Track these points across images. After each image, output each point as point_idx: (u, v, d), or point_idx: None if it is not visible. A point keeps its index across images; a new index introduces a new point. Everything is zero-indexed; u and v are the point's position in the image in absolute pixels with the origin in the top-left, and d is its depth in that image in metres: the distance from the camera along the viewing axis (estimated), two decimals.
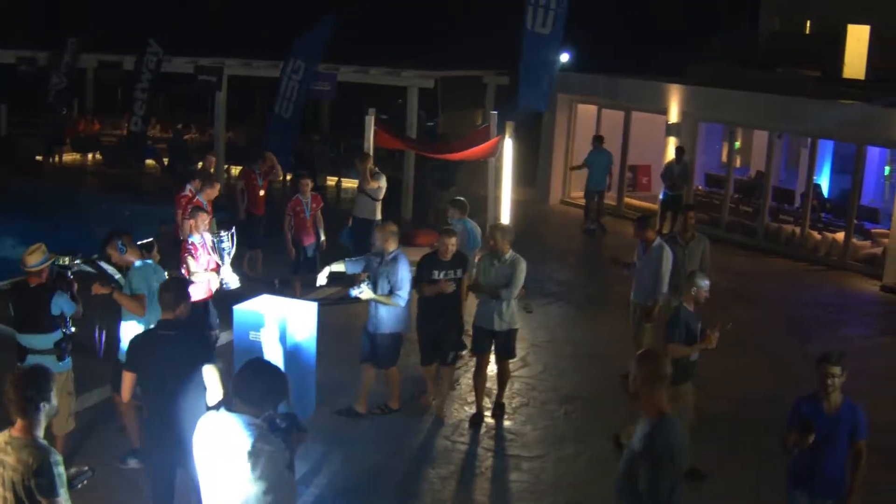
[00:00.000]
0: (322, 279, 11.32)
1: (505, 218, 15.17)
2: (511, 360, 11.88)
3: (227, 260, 11.88)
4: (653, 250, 12.35)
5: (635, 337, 12.68)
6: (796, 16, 30.82)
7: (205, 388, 7.64)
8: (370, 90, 25.22)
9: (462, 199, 14.07)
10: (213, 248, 11.92)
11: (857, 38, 28.98)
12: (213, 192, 14.62)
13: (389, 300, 10.88)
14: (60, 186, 26.34)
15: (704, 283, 10.02)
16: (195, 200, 14.27)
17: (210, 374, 7.64)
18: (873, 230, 20.70)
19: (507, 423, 11.49)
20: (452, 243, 11.21)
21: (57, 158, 30.07)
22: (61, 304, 9.37)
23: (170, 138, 29.52)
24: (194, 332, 8.28)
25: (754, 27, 31.28)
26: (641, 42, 29.67)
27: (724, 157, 25.35)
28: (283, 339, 10.81)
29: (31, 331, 9.39)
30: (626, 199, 25.10)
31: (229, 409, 6.10)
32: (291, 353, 10.88)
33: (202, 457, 6.07)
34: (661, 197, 22.64)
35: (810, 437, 7.62)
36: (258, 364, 6.43)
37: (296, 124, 21.84)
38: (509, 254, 11.18)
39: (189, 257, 11.96)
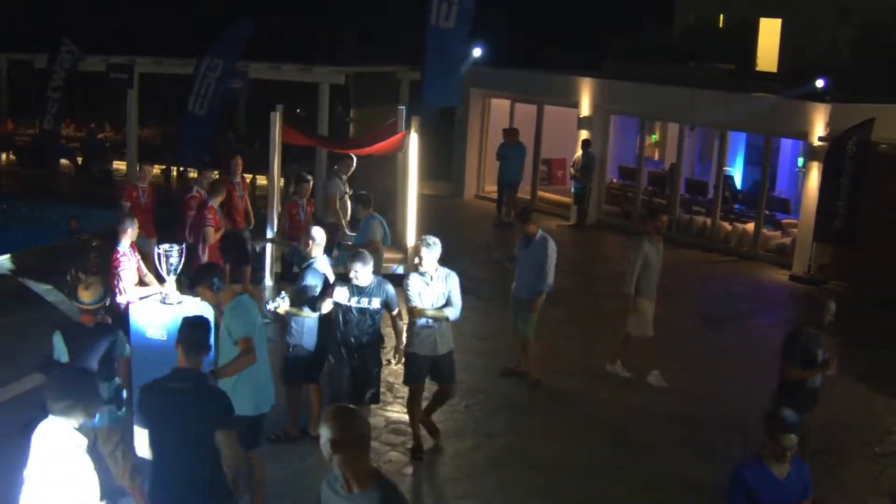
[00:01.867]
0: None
1: (412, 212, 15.07)
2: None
3: (173, 276, 10.89)
4: (535, 243, 12.35)
5: (517, 330, 12.85)
6: (710, 11, 31.19)
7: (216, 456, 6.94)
8: (288, 88, 25.04)
9: (366, 193, 13.89)
10: (159, 262, 10.80)
11: (770, 31, 29.42)
12: (221, 197, 14.39)
13: (302, 312, 10.18)
14: None
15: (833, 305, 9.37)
16: (209, 206, 13.96)
17: (224, 441, 6.89)
18: (784, 220, 21.00)
19: (406, 416, 11.34)
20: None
21: None
22: (123, 343, 8.38)
23: (83, 137, 29.15)
24: (212, 388, 7.20)
25: (669, 23, 31.55)
26: (556, 37, 29.77)
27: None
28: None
29: None
30: (540, 193, 25.22)
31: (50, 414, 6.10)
32: None
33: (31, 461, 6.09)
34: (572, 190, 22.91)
35: None
36: (69, 371, 6.41)
37: (211, 122, 21.61)
38: (438, 269, 10.25)
39: (122, 270, 11.23)
